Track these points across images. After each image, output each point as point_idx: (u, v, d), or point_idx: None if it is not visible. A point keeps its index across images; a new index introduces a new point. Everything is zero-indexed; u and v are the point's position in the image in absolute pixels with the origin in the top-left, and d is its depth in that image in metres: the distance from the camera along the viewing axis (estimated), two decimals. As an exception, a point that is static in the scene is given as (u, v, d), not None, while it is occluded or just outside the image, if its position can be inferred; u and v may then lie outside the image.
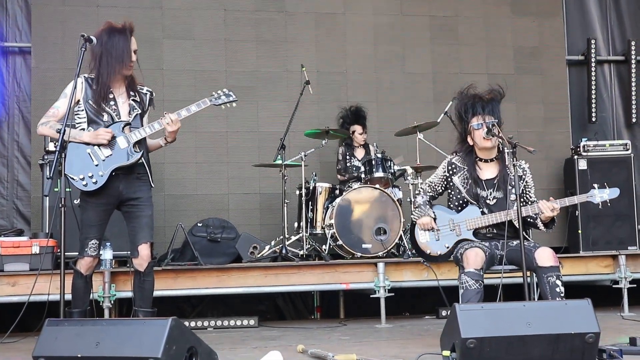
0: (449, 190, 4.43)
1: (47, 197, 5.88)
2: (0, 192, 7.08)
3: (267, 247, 6.31)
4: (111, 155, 4.17)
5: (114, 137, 4.17)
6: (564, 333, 3.42)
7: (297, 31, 7.61)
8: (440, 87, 7.63)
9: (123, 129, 4.21)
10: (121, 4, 7.21)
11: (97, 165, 4.15)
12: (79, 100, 4.24)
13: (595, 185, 4.27)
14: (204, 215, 6.85)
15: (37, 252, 5.43)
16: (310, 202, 6.51)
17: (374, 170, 6.41)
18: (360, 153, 6.97)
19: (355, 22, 7.74)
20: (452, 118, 6.37)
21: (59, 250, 5.06)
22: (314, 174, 6.65)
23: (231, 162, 7.33)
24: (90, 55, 4.22)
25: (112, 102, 4.24)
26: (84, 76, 4.27)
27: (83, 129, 4.21)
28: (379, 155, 6.48)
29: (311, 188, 6.52)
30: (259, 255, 6.22)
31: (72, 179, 4.15)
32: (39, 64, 7.05)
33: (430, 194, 4.50)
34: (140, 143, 4.27)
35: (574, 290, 5.60)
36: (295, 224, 6.60)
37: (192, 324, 5.71)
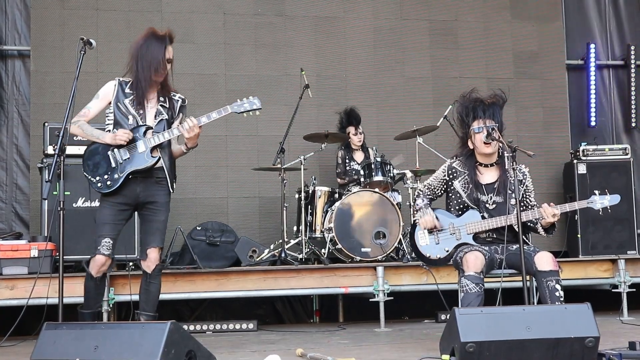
0: (450, 194, 4.42)
1: (46, 201, 5.87)
2: (-1, 196, 7.09)
3: (266, 251, 6.30)
4: (129, 158, 4.21)
5: (134, 140, 4.19)
6: (563, 337, 3.42)
7: (297, 35, 7.62)
8: (440, 92, 7.63)
9: (145, 133, 4.23)
10: (120, 8, 7.23)
11: (114, 168, 4.20)
12: (110, 102, 4.28)
13: (596, 192, 4.27)
14: (203, 218, 6.84)
15: (36, 255, 5.42)
16: (309, 206, 6.51)
17: (373, 174, 6.40)
18: (359, 156, 6.96)
19: (355, 26, 7.75)
20: (451, 122, 6.39)
21: (57, 253, 5.05)
22: (313, 177, 6.65)
23: (230, 165, 7.33)
24: (128, 58, 4.27)
25: (139, 105, 4.26)
26: (118, 79, 4.32)
27: (109, 130, 4.25)
28: (378, 159, 6.48)
29: (310, 192, 6.52)
30: (258, 259, 6.21)
31: (90, 180, 4.21)
32: (38, 67, 7.06)
33: (430, 196, 4.49)
34: (163, 148, 4.28)
35: (574, 294, 5.60)
36: (295, 228, 6.60)
37: (191, 327, 5.71)
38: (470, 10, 7.95)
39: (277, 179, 6.47)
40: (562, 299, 3.96)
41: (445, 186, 4.45)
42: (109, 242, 4.21)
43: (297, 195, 6.63)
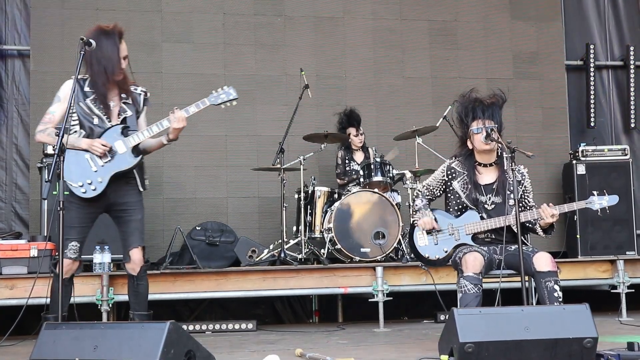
0: (448, 195, 4.43)
1: (46, 201, 5.88)
2: (-1, 195, 7.10)
3: (265, 251, 6.30)
4: (110, 160, 4.13)
5: (111, 149, 4.11)
6: (562, 338, 3.43)
7: (296, 35, 7.62)
8: (439, 92, 7.64)
9: (122, 132, 4.17)
10: (120, 8, 7.23)
11: (95, 172, 4.12)
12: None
13: (595, 192, 4.27)
14: (203, 218, 6.85)
15: (35, 255, 5.43)
16: (309, 206, 6.52)
17: (372, 174, 6.41)
18: (359, 157, 6.97)
19: (355, 26, 7.75)
20: (451, 122, 6.40)
21: (57, 253, 5.06)
22: (312, 177, 6.65)
23: (230, 165, 7.33)
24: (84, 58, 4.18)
25: (102, 105, 4.18)
26: (75, 77, 4.21)
27: (76, 131, 4.17)
28: (378, 160, 6.48)
29: (310, 192, 6.53)
30: (257, 259, 6.22)
31: (71, 185, 4.12)
32: (37, 67, 7.05)
33: (428, 196, 4.50)
34: (136, 146, 4.20)
35: (572, 295, 5.60)
36: (294, 228, 6.60)
37: (190, 327, 5.71)
38: (470, 11, 7.96)
39: (276, 179, 6.48)
40: (560, 300, 3.96)
41: (444, 186, 4.45)
42: (76, 246, 4.17)
43: (296, 196, 6.64)
